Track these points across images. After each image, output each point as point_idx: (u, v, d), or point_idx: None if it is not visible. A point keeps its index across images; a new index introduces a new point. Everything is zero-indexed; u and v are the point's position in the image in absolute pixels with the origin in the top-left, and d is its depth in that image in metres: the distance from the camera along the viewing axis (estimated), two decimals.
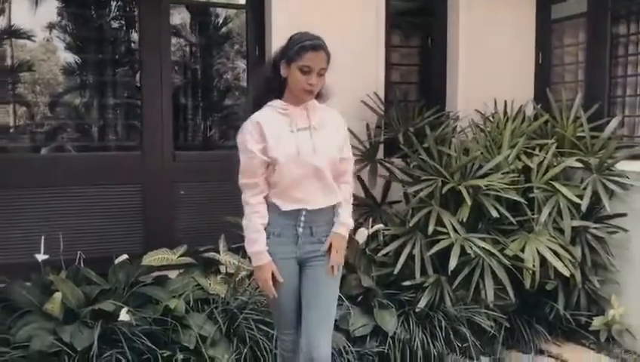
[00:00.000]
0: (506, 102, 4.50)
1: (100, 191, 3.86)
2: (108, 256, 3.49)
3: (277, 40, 4.02)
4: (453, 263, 3.47)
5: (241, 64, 4.25)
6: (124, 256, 3.43)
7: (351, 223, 2.60)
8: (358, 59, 4.23)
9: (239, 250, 3.68)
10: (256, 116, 2.47)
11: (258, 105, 2.51)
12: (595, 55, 4.33)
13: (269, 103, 2.50)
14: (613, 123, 4.02)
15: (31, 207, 3.72)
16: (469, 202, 3.55)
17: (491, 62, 4.63)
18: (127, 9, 4.28)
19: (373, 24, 4.33)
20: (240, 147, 2.43)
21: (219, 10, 4.54)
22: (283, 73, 2.44)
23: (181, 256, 3.63)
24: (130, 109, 4.15)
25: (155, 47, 3.93)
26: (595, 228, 3.89)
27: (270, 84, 2.50)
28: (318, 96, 2.50)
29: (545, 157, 3.96)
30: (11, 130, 4.29)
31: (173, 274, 3.65)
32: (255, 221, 2.45)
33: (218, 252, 3.65)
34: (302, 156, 2.40)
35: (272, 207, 2.48)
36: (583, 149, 4.02)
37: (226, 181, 3.99)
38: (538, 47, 4.78)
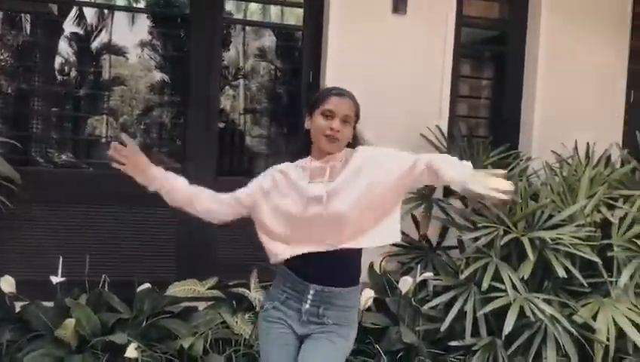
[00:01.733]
0: (588, 144, 3.97)
1: (135, 213, 3.71)
2: (132, 282, 3.30)
3: (332, 66, 3.78)
4: (509, 326, 3.00)
5: (293, 88, 4.01)
6: (147, 285, 3.22)
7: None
8: (421, 89, 3.89)
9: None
10: (276, 167, 2.22)
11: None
12: None
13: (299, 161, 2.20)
14: None
15: (67, 224, 3.61)
16: (532, 257, 3.08)
17: (573, 99, 4.14)
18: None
19: (440, 52, 3.98)
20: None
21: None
22: (307, 125, 2.17)
23: (210, 288, 3.38)
24: (175, 128, 4.00)
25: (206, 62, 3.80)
26: None
27: (302, 142, 2.21)
28: (350, 145, 2.18)
29: (629, 211, 3.42)
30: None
31: (202, 306, 3.41)
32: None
33: (248, 288, 3.38)
34: (308, 209, 2.07)
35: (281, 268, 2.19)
36: None
37: None
38: (630, 84, 4.24)
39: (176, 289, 3.29)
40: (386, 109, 3.70)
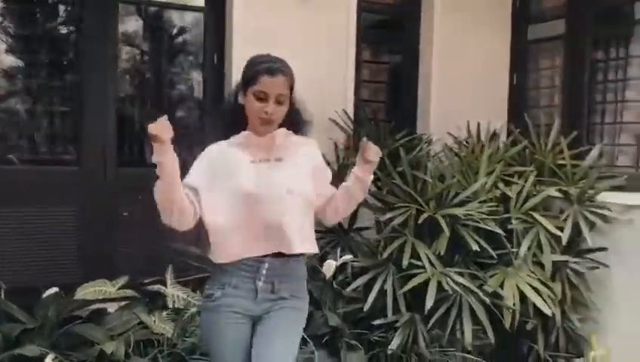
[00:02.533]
0: (479, 125, 4.24)
1: (30, 211, 3.37)
2: (35, 288, 3.01)
3: (238, 51, 3.67)
4: (430, 301, 3.13)
5: (197, 75, 3.84)
6: (54, 289, 2.95)
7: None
8: (326, 74, 3.90)
9: (189, 283, 3.27)
10: (211, 147, 2.11)
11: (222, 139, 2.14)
12: (573, 80, 4.14)
13: (234, 137, 2.12)
14: (595, 151, 3.80)
15: None
16: (447, 233, 3.23)
17: (465, 84, 4.37)
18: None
19: (343, 37, 4.02)
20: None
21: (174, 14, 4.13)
22: (240, 100, 2.10)
23: (121, 288, 3.17)
24: (68, 117, 3.67)
25: (100, 51, 3.51)
26: (575, 262, 3.64)
27: (233, 117, 2.12)
28: (292, 127, 2.14)
29: (524, 186, 3.70)
30: None
31: (111, 308, 3.18)
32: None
33: (164, 284, 3.21)
34: (260, 189, 2.02)
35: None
36: (564, 178, 3.78)
37: None
38: (513, 68, 4.57)
39: (86, 291, 3.05)
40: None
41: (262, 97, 2.01)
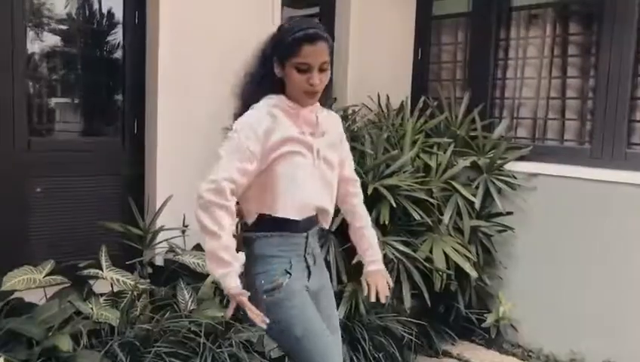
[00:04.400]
0: (388, 96, 4.39)
1: None
2: None
3: (166, 9, 3.37)
4: None
5: (117, 35, 3.45)
6: None
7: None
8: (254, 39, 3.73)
9: (122, 263, 3.02)
10: (268, 110, 1.95)
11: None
12: (478, 55, 4.42)
13: (270, 99, 1.97)
14: (503, 124, 4.13)
15: None
16: (393, 203, 3.33)
17: (377, 57, 4.46)
18: None
19: (269, 8, 3.87)
20: (229, 148, 1.90)
21: None
22: (278, 73, 1.96)
23: (48, 274, 2.83)
24: None
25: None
26: (486, 226, 3.97)
27: (263, 85, 1.98)
28: (322, 98, 2.05)
29: (443, 156, 3.92)
30: None
31: (33, 297, 2.82)
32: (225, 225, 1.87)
33: (100, 267, 2.92)
34: (315, 162, 2.02)
35: (279, 227, 2.01)
36: (476, 149, 4.07)
37: (101, 174, 3.30)
38: (417, 43, 4.75)
39: (15, 281, 2.66)
40: (226, 66, 3.48)
41: (304, 69, 1.89)
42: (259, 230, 2.00)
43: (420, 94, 4.54)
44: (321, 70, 1.91)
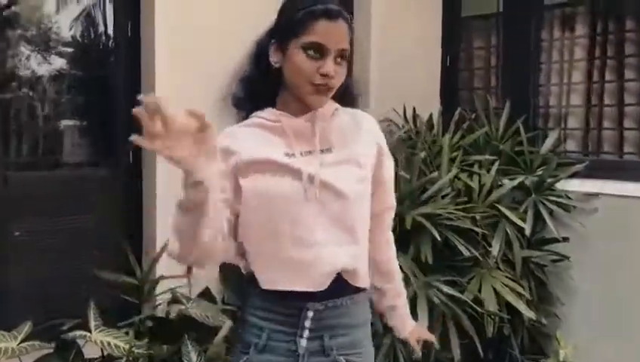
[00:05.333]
0: (414, 108, 3.89)
1: None
2: None
3: (161, 14, 2.89)
4: (424, 320, 2.68)
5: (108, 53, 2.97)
6: None
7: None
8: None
9: (116, 319, 2.51)
10: (229, 129, 1.45)
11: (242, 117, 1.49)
12: (515, 60, 3.91)
13: (254, 114, 1.47)
14: (551, 137, 3.61)
15: None
16: (437, 236, 2.81)
17: (401, 65, 3.95)
18: None
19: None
20: None
21: None
22: (274, 61, 1.42)
23: (24, 340, 2.32)
24: None
25: None
26: (538, 256, 3.43)
27: (255, 85, 1.46)
28: (344, 99, 1.51)
29: (487, 176, 3.39)
30: None
31: None
32: None
33: (87, 329, 2.41)
34: (308, 193, 1.39)
35: (253, 289, 1.45)
36: (522, 166, 3.54)
37: (91, 212, 2.80)
38: (445, 48, 4.24)
39: None
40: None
41: (316, 54, 1.35)
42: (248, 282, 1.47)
43: (450, 105, 4.04)
44: (339, 59, 1.38)
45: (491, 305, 3.00)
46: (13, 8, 2.69)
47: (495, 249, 3.19)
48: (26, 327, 2.34)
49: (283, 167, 1.39)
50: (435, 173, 3.11)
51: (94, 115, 3.01)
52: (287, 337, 1.42)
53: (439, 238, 2.82)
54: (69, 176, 2.93)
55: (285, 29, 1.40)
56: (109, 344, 2.37)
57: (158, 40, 2.82)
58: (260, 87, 1.45)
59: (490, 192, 3.37)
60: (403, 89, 3.91)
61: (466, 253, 2.93)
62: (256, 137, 1.43)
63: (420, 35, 4.11)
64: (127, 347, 2.32)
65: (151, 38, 2.83)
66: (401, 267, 2.71)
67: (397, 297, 1.71)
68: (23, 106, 2.79)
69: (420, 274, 2.86)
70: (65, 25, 2.82)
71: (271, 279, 1.41)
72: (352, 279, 1.45)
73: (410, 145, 3.47)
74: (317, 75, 1.36)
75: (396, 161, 3.11)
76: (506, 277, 3.19)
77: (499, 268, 3.22)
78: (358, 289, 1.48)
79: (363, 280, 1.48)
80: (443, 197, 3.20)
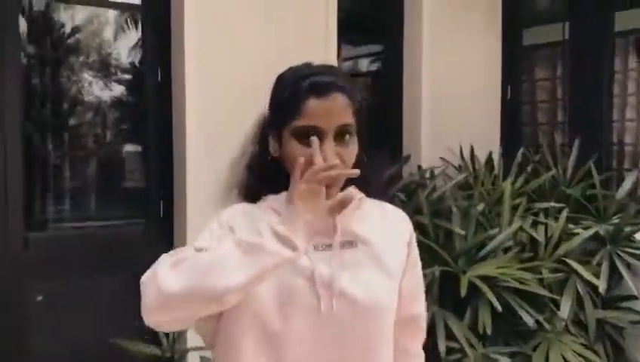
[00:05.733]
0: (472, 148, 3.56)
1: None
2: None
3: (191, 60, 2.73)
4: None
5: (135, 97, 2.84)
6: None
7: None
8: None
9: None
10: (235, 208, 1.22)
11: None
12: (584, 92, 3.54)
13: (266, 198, 1.23)
14: (629, 180, 3.21)
15: None
16: (497, 306, 2.48)
17: (457, 100, 3.64)
18: None
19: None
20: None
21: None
22: (272, 150, 1.20)
23: None
24: None
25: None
26: (615, 317, 3.03)
27: (262, 172, 1.24)
28: (356, 181, 1.23)
29: (554, 226, 3.03)
30: None
31: None
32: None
33: None
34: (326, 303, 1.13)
35: None
36: (595, 214, 3.16)
37: (115, 273, 2.63)
38: (506, 80, 3.91)
39: None
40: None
41: (307, 138, 1.11)
42: None
43: (511, 143, 3.71)
44: (340, 136, 1.13)
45: None
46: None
47: (564, 310, 2.82)
48: None
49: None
50: (496, 230, 2.77)
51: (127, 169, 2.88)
52: None
53: (498, 306, 2.48)
54: (94, 234, 2.78)
55: (275, 114, 1.19)
56: None
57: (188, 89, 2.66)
58: (269, 172, 1.21)
59: (558, 245, 3.01)
60: (458, 125, 3.60)
61: (530, 322, 2.57)
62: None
63: (477, 65, 3.78)
64: None
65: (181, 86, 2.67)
66: (455, 335, 2.44)
67: None
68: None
69: (478, 343, 2.54)
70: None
71: None
72: None
73: (469, 194, 3.14)
74: (316, 162, 1.09)
75: (450, 213, 2.85)
76: (578, 342, 2.81)
77: (569, 332, 2.85)
78: None
79: None
80: (505, 250, 2.87)
